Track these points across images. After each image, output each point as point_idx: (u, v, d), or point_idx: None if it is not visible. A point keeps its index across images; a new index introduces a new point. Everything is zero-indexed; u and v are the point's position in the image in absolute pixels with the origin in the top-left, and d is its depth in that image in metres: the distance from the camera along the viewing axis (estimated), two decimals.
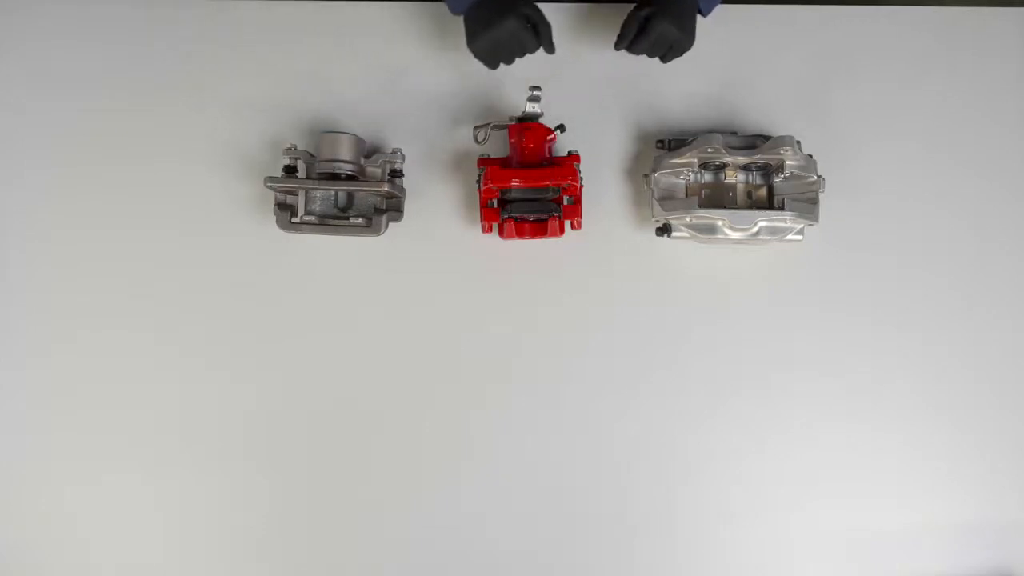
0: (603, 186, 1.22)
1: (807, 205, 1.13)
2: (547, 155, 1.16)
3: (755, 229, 1.13)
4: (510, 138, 1.16)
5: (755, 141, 1.16)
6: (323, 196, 1.18)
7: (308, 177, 1.17)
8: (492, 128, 1.18)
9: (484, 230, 1.16)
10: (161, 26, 1.26)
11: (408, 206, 1.21)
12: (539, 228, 1.15)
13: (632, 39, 1.11)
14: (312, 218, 1.15)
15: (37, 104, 1.25)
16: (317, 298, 1.21)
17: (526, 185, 1.13)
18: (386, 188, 1.14)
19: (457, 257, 1.21)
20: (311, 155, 1.18)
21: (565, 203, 1.15)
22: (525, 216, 1.14)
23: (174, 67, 1.26)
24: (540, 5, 1.09)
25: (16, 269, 1.22)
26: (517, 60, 1.12)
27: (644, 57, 1.14)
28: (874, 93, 1.24)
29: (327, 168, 1.14)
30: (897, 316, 1.19)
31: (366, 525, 1.17)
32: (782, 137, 1.13)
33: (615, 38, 1.13)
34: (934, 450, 1.17)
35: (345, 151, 1.15)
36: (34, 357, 1.20)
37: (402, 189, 1.19)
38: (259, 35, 1.26)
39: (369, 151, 1.21)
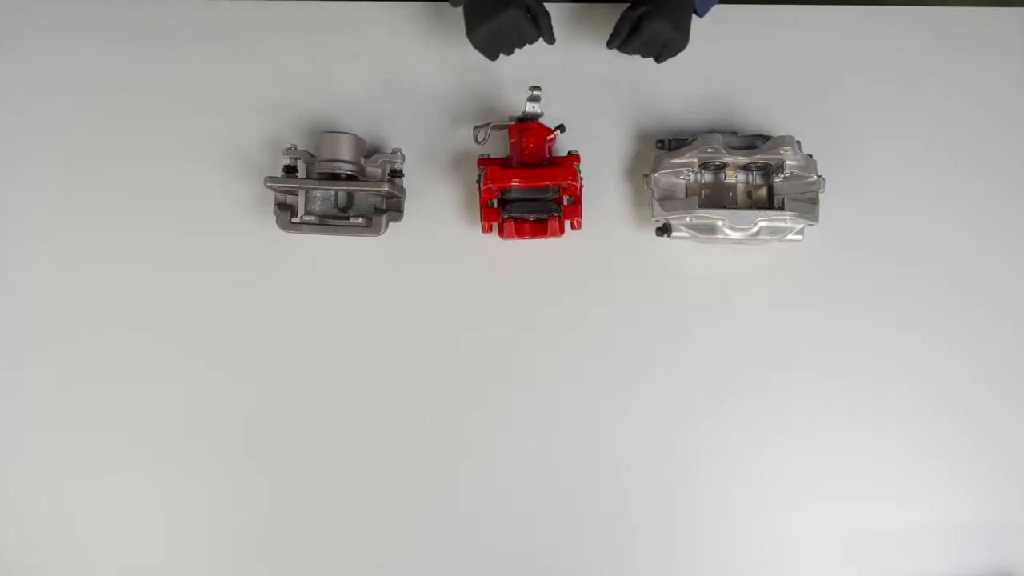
0: (603, 186, 1.22)
1: (807, 205, 1.13)
2: (547, 155, 1.16)
3: (755, 229, 1.13)
4: (510, 138, 1.16)
5: (755, 141, 1.16)
6: (323, 196, 1.18)
7: (308, 177, 1.17)
8: (492, 128, 1.18)
9: (484, 230, 1.16)
10: (161, 26, 1.26)
11: (408, 206, 1.21)
12: (539, 228, 1.15)
13: (625, 38, 1.11)
14: (312, 218, 1.15)
15: (37, 104, 1.25)
16: (317, 298, 1.21)
17: (526, 185, 1.13)
18: (386, 188, 1.14)
19: (457, 257, 1.21)
20: (311, 155, 1.18)
21: (565, 203, 1.15)
22: (525, 216, 1.14)
23: (174, 67, 1.26)
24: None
25: (16, 269, 1.22)
26: (518, 56, 1.12)
27: (644, 57, 1.14)
28: (874, 93, 1.24)
29: (327, 168, 1.14)
30: (897, 316, 1.19)
31: (366, 525, 1.17)
32: (782, 137, 1.13)
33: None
34: (934, 450, 1.17)
35: (345, 151, 1.15)
36: (34, 357, 1.20)
37: (402, 189, 1.19)
38: (259, 35, 1.26)
39: (369, 151, 1.21)
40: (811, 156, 1.15)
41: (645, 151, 1.22)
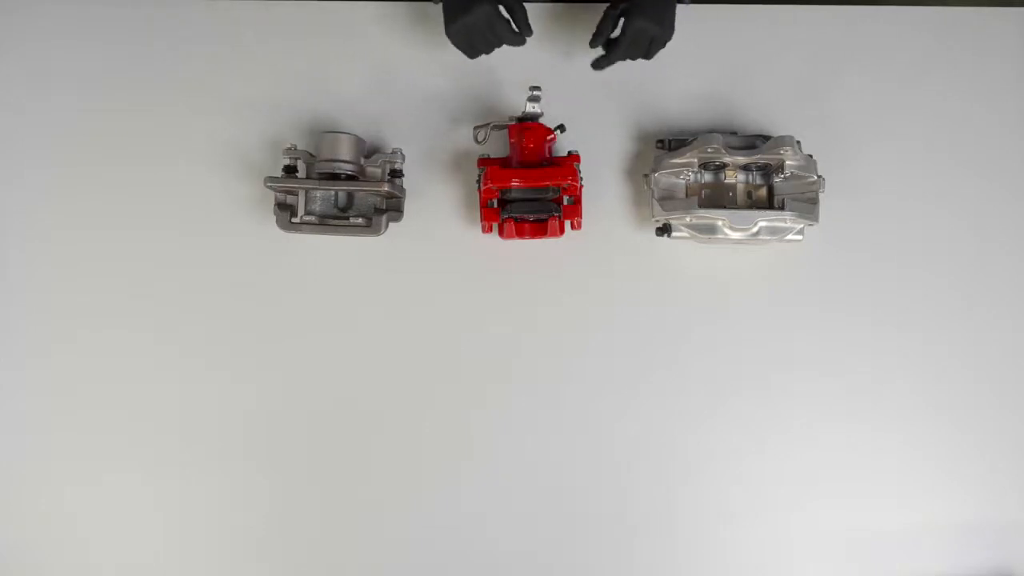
0: (603, 186, 1.22)
1: (807, 205, 1.13)
2: (547, 155, 1.16)
3: (755, 229, 1.13)
4: (510, 138, 1.16)
5: (755, 141, 1.16)
6: (323, 196, 1.18)
7: (308, 177, 1.17)
8: (492, 128, 1.18)
9: (484, 230, 1.16)
10: (161, 26, 1.26)
11: (408, 206, 1.21)
12: (539, 228, 1.15)
13: (608, 36, 1.10)
14: (312, 218, 1.15)
15: (37, 104, 1.25)
16: (317, 298, 1.21)
17: (526, 185, 1.13)
18: (386, 188, 1.14)
19: (457, 257, 1.21)
20: (311, 155, 1.18)
21: (565, 203, 1.15)
22: (525, 216, 1.14)
23: (174, 67, 1.26)
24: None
25: (16, 269, 1.22)
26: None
27: (634, 59, 1.14)
28: (874, 93, 1.24)
29: (327, 168, 1.14)
30: (897, 316, 1.19)
31: (366, 525, 1.17)
32: (782, 137, 1.13)
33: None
34: (934, 450, 1.17)
35: (345, 151, 1.15)
36: (34, 357, 1.20)
37: (402, 189, 1.19)
38: (259, 35, 1.26)
39: (369, 151, 1.21)
40: (811, 156, 1.15)
41: (645, 151, 1.22)
